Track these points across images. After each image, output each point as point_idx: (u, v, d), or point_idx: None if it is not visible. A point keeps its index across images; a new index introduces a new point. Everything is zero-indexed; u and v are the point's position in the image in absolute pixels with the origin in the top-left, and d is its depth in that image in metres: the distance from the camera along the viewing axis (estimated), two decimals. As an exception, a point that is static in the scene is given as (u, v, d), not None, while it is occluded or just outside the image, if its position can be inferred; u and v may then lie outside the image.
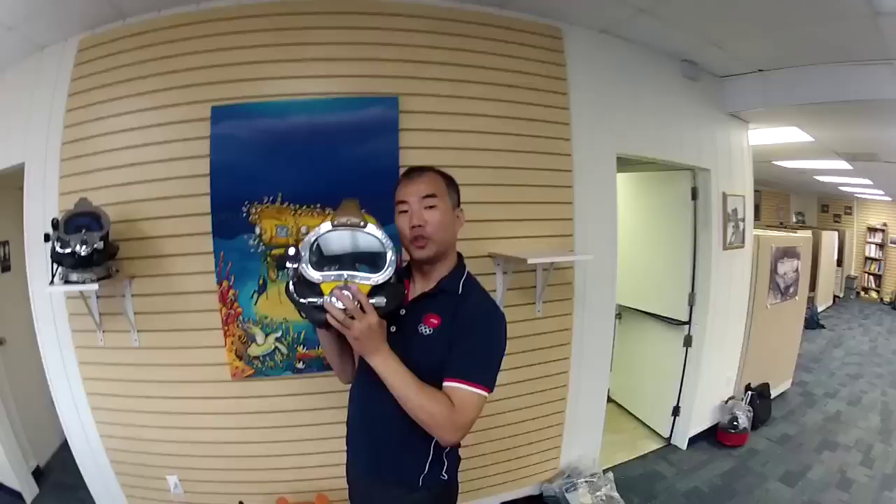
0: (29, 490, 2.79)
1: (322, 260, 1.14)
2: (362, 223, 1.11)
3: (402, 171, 2.09)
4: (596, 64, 2.55)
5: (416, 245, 1.25)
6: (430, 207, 1.24)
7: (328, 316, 1.09)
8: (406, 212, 1.26)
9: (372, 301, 1.10)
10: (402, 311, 1.27)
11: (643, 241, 3.56)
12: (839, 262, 9.26)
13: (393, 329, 1.27)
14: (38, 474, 2.95)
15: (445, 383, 1.16)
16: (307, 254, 1.11)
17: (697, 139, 3.12)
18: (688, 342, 3.39)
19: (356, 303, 1.08)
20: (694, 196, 3.31)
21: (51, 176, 2.20)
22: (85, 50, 2.18)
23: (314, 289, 1.11)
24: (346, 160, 2.11)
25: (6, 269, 3.00)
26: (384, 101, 2.14)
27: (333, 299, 1.09)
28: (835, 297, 8.96)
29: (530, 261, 2.01)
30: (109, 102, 2.14)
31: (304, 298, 1.11)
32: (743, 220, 3.56)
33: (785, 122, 3.77)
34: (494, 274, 2.35)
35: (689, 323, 3.38)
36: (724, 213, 3.34)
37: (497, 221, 2.34)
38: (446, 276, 1.30)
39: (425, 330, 1.25)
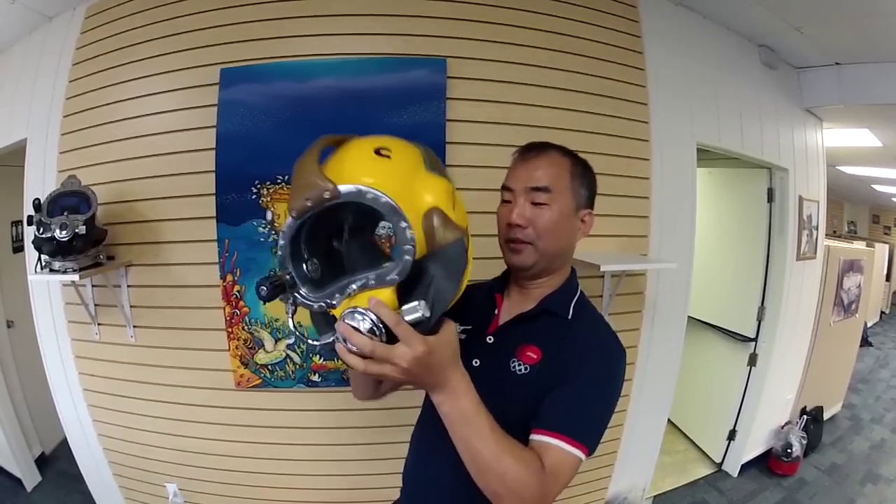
0: (31, 477, 2.58)
1: (329, 265, 0.72)
2: (328, 194, 0.61)
3: (448, 147, 1.67)
4: (674, 39, 2.06)
5: (511, 248, 0.86)
6: (540, 204, 0.83)
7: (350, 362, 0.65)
8: (509, 202, 0.87)
9: (408, 318, 0.62)
10: (490, 339, 0.87)
11: (711, 244, 3.01)
12: (887, 277, 8.33)
13: (476, 363, 0.84)
14: (42, 462, 2.73)
15: (535, 436, 0.76)
16: (293, 267, 0.68)
17: (776, 135, 2.60)
18: (752, 361, 2.85)
19: (378, 333, 0.62)
20: (770, 198, 2.77)
21: (51, 152, 1.92)
22: (91, 17, 1.89)
23: (327, 318, 0.69)
24: (379, 132, 1.58)
25: (18, 249, 2.76)
26: (429, 63, 1.65)
27: (340, 340, 0.62)
28: (881, 312, 8.08)
29: (604, 268, 1.47)
30: (111, 70, 1.84)
31: (319, 337, 0.68)
32: (816, 227, 3.03)
33: (858, 123, 3.24)
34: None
35: (755, 340, 2.84)
36: (799, 219, 2.80)
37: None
38: (552, 293, 0.88)
39: (519, 367, 0.83)
